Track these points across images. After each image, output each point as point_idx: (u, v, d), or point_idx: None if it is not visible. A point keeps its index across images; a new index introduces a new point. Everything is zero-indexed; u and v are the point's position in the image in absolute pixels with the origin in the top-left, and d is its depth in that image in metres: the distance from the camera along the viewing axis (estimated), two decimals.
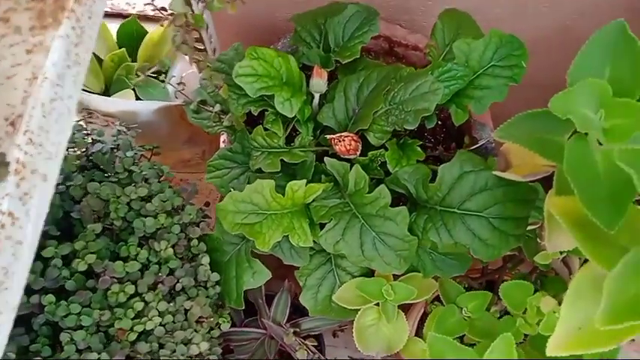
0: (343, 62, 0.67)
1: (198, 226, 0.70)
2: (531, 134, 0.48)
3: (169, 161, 0.99)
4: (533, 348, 0.58)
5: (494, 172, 0.53)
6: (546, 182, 0.55)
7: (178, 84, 0.75)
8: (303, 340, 0.77)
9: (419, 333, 0.84)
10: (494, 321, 0.64)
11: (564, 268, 0.64)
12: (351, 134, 0.61)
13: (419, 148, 0.64)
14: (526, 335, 0.61)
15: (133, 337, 0.59)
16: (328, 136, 0.62)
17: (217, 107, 0.72)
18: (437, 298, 0.75)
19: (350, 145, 0.60)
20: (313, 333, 0.80)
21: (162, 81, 0.74)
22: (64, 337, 0.57)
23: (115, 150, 0.72)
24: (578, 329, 0.41)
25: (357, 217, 0.58)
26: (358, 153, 0.62)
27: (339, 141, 0.61)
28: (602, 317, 0.35)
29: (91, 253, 0.59)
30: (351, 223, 0.58)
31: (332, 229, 0.59)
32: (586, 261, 0.65)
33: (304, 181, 0.58)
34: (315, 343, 0.79)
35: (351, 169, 0.60)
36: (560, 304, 0.53)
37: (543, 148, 0.47)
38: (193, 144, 0.96)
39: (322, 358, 0.77)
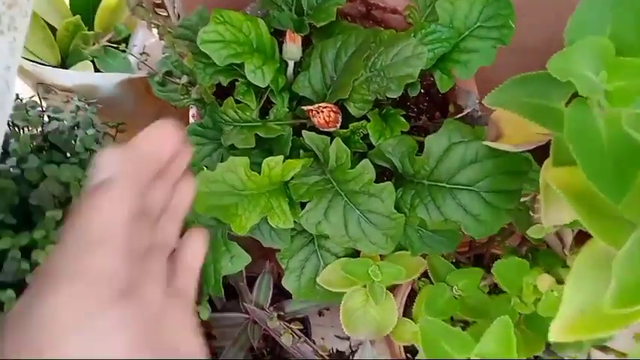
0: (318, 26, 0.62)
1: None
2: (525, 100, 0.43)
3: None
4: (528, 328, 0.55)
5: (485, 143, 0.48)
6: (539, 152, 0.51)
7: (141, 54, 0.70)
8: (287, 324, 0.74)
9: (407, 312, 0.81)
10: (486, 299, 0.61)
11: (557, 240, 0.61)
12: (330, 105, 0.56)
13: (402, 119, 0.60)
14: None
15: None
16: (305, 108, 0.57)
17: (184, 79, 0.67)
18: (424, 274, 0.72)
19: (329, 116, 0.55)
20: (298, 316, 0.77)
21: (124, 51, 0.68)
22: None
23: (75, 128, 0.66)
24: (582, 312, 0.38)
25: (339, 195, 0.54)
26: (338, 125, 0.58)
27: (318, 112, 0.56)
28: (612, 300, 0.32)
29: (53, 242, 0.54)
30: (333, 201, 0.54)
31: (313, 208, 0.55)
32: (580, 233, 0.63)
33: (281, 157, 0.53)
34: (301, 327, 0.76)
35: (331, 142, 0.55)
36: (557, 281, 0.50)
37: (539, 115, 0.42)
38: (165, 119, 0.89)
39: (308, 341, 0.74)
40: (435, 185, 0.52)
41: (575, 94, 0.41)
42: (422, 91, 0.73)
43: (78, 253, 0.26)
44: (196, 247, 0.36)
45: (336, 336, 0.97)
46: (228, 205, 0.54)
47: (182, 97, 0.69)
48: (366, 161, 0.53)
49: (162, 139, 0.32)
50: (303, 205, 0.56)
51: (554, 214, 0.47)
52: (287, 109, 0.60)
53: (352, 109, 0.58)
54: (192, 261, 0.35)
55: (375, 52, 0.55)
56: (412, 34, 0.57)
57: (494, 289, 0.85)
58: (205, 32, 0.53)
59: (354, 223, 0.53)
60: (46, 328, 0.25)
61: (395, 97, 0.56)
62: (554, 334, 0.38)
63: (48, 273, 0.26)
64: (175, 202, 0.35)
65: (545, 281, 0.50)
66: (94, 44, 0.57)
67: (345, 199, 0.54)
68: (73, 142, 0.63)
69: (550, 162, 0.44)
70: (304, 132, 0.58)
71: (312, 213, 0.54)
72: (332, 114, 0.55)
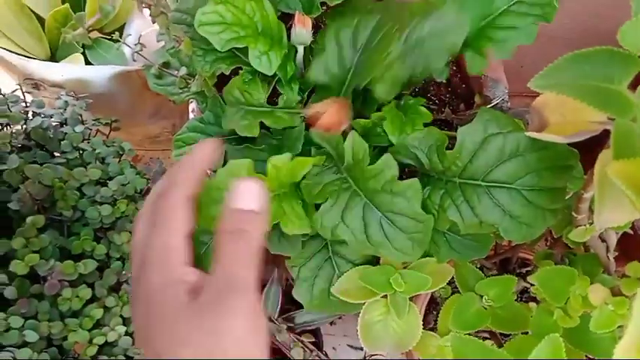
0: (332, 4, 0.55)
1: None
2: (581, 82, 0.37)
3: (135, 137, 0.88)
4: (571, 343, 0.49)
5: (528, 134, 0.42)
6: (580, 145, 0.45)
7: (136, 44, 0.63)
8: (298, 337, 0.68)
9: (425, 320, 0.75)
10: (521, 311, 0.54)
11: (601, 243, 0.55)
12: (331, 105, 0.49)
13: (424, 109, 0.53)
14: None
15: (92, 351, 0.49)
16: (304, 113, 0.50)
17: (183, 70, 0.61)
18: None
19: (333, 122, 0.48)
20: (309, 327, 0.71)
21: (117, 41, 0.62)
22: (4, 356, 0.46)
23: (63, 125, 0.60)
24: None
25: (358, 195, 0.47)
26: (346, 124, 0.51)
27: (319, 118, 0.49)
28: None
29: (34, 252, 0.48)
30: (351, 202, 0.48)
31: (328, 210, 0.48)
32: (625, 235, 0.56)
33: (288, 155, 0.47)
34: (312, 339, 0.70)
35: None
36: (613, 292, 0.44)
37: (598, 99, 0.36)
38: (162, 117, 0.83)
39: (320, 355, 0.67)
40: (469, 183, 0.46)
41: None
42: (443, 80, 0.67)
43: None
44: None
45: (349, 345, 0.91)
46: None
47: (181, 91, 0.63)
48: (387, 156, 0.47)
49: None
50: (317, 207, 0.49)
51: (609, 215, 0.41)
52: (298, 99, 0.54)
53: (379, 92, 0.51)
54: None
55: (408, 23, 0.49)
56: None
57: (521, 296, 0.79)
58: (203, 13, 0.47)
59: (375, 227, 0.47)
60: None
61: (439, 79, 0.50)
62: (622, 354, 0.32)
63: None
64: None
65: (598, 293, 0.43)
66: (76, 29, 0.51)
67: (365, 199, 0.47)
68: (60, 140, 0.57)
69: (609, 154, 0.37)
70: (312, 130, 0.51)
71: (327, 216, 0.48)
72: (334, 117, 0.49)
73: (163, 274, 0.32)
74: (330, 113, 0.49)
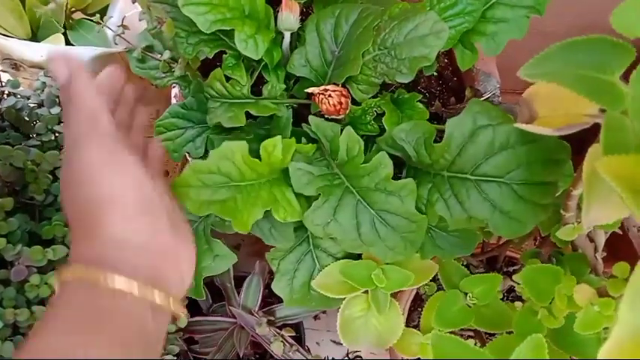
0: None
1: None
2: (572, 71, 0.36)
3: None
4: (555, 344, 0.47)
5: (517, 125, 0.40)
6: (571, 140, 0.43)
7: (119, 26, 0.61)
8: (278, 331, 0.66)
9: (410, 317, 0.74)
10: (506, 310, 0.53)
11: (589, 243, 0.54)
12: (340, 88, 0.48)
13: (420, 105, 0.52)
14: None
15: None
16: (310, 90, 0.49)
17: (166, 54, 0.59)
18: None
19: (340, 102, 0.47)
20: (291, 321, 0.69)
21: (99, 23, 0.60)
22: None
23: (40, 107, 0.58)
24: None
25: (351, 192, 0.46)
26: (348, 111, 0.50)
27: (325, 97, 0.48)
28: None
29: (1, 236, 0.46)
30: (344, 199, 0.46)
31: (320, 207, 0.46)
32: (614, 235, 0.55)
33: (279, 137, 0.45)
34: (294, 333, 0.69)
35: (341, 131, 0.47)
36: (599, 293, 0.43)
37: (589, 89, 0.35)
38: (146, 101, 0.81)
39: (301, 350, 0.66)
40: (457, 177, 0.44)
41: (635, 64, 0.33)
42: (434, 73, 0.65)
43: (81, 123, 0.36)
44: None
45: (332, 341, 0.89)
46: (226, 200, 0.44)
47: (164, 75, 0.61)
48: (382, 154, 0.45)
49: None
50: (307, 198, 0.48)
51: (597, 213, 0.39)
52: (283, 87, 0.52)
53: (355, 92, 0.50)
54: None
55: (386, 26, 0.47)
56: (428, 7, 0.49)
57: (508, 295, 0.78)
58: None
59: (367, 225, 0.45)
60: (85, 172, 0.35)
61: (405, 82, 0.48)
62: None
63: (69, 146, 0.37)
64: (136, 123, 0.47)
65: (584, 293, 0.42)
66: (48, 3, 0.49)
67: (358, 197, 0.45)
68: (35, 122, 0.55)
69: (599, 149, 0.36)
70: (311, 118, 0.49)
71: (318, 212, 0.46)
72: (342, 99, 0.47)
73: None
74: (337, 97, 0.48)
